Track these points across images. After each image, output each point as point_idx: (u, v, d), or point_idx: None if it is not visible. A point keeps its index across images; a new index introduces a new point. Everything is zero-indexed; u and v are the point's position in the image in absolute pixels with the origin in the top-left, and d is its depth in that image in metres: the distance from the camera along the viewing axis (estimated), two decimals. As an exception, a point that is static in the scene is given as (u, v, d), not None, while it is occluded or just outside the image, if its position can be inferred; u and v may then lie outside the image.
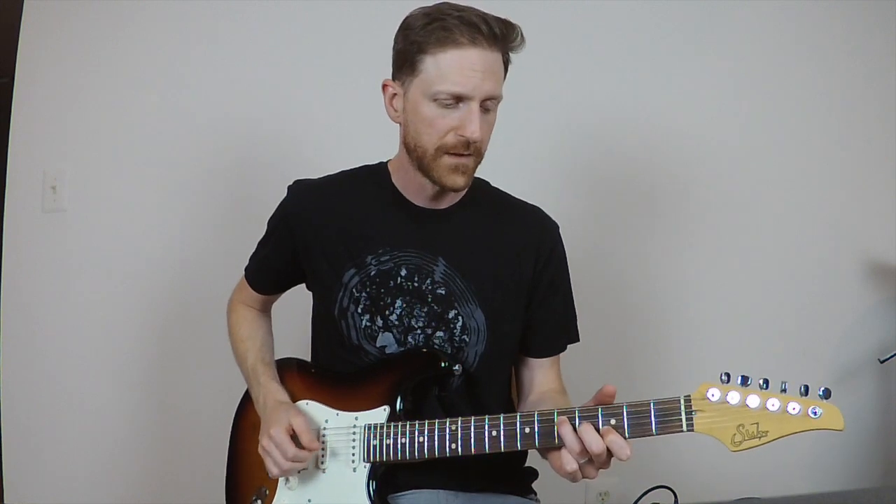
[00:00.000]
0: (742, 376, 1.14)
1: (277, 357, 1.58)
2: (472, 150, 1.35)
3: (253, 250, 1.62)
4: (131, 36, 2.29)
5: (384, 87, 1.43)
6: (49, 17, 2.29)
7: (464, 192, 1.49)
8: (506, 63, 1.39)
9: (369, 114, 1.55)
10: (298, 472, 1.39)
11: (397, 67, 1.40)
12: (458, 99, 1.33)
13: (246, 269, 1.63)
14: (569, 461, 1.19)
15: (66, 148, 2.29)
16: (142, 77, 2.28)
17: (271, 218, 1.57)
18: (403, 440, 1.32)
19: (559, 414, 1.22)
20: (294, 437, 1.34)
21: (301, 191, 1.53)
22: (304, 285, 1.58)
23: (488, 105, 1.35)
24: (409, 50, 1.35)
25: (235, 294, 1.67)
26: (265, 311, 1.66)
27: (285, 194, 1.54)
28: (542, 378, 1.52)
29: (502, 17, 1.35)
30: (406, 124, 1.40)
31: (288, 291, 1.64)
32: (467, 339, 1.43)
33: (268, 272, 1.60)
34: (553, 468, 1.25)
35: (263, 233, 1.59)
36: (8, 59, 2.34)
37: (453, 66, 1.31)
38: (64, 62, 2.29)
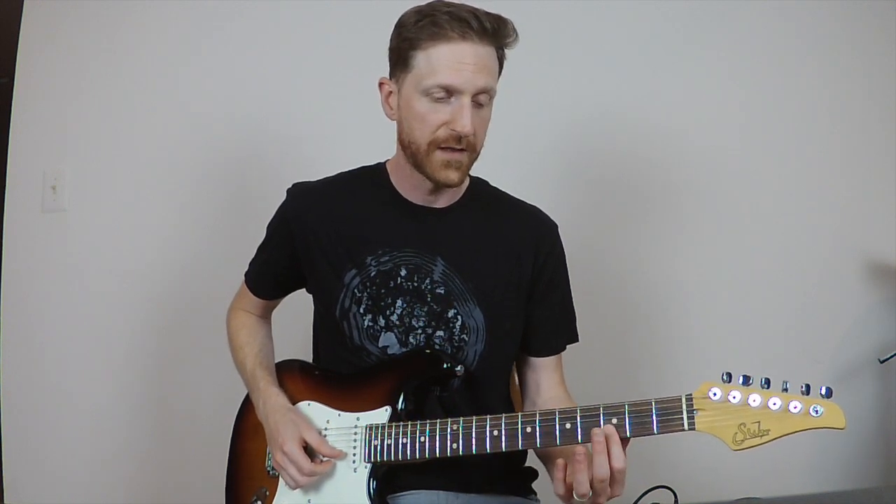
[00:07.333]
0: (743, 376, 1.14)
1: (278, 359, 1.57)
2: (465, 145, 1.35)
3: (253, 255, 1.62)
4: (131, 36, 2.29)
5: (380, 85, 1.44)
6: (49, 17, 2.29)
7: (462, 191, 1.49)
8: (500, 59, 1.39)
9: (370, 114, 1.55)
10: None
11: (392, 65, 1.41)
12: (450, 93, 1.33)
13: (246, 275, 1.63)
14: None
15: (66, 148, 2.29)
16: (142, 77, 2.28)
17: (270, 222, 1.56)
18: (405, 440, 1.32)
19: (560, 415, 1.23)
20: (307, 449, 1.35)
21: (300, 193, 1.53)
22: (304, 289, 1.57)
23: (481, 100, 1.35)
24: (401, 47, 1.37)
25: (235, 301, 1.66)
26: (265, 317, 1.65)
27: (284, 197, 1.54)
28: (548, 381, 1.52)
29: (497, 13, 1.35)
30: (401, 121, 1.41)
31: (289, 296, 1.64)
32: (466, 339, 1.43)
33: (268, 276, 1.60)
34: (556, 484, 1.24)
35: (263, 236, 1.59)
36: (8, 59, 2.34)
37: (443, 60, 1.32)
38: (64, 62, 2.30)
